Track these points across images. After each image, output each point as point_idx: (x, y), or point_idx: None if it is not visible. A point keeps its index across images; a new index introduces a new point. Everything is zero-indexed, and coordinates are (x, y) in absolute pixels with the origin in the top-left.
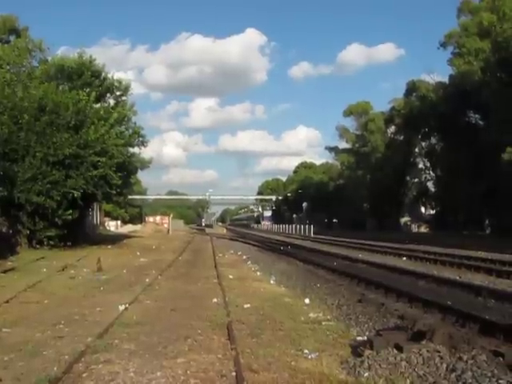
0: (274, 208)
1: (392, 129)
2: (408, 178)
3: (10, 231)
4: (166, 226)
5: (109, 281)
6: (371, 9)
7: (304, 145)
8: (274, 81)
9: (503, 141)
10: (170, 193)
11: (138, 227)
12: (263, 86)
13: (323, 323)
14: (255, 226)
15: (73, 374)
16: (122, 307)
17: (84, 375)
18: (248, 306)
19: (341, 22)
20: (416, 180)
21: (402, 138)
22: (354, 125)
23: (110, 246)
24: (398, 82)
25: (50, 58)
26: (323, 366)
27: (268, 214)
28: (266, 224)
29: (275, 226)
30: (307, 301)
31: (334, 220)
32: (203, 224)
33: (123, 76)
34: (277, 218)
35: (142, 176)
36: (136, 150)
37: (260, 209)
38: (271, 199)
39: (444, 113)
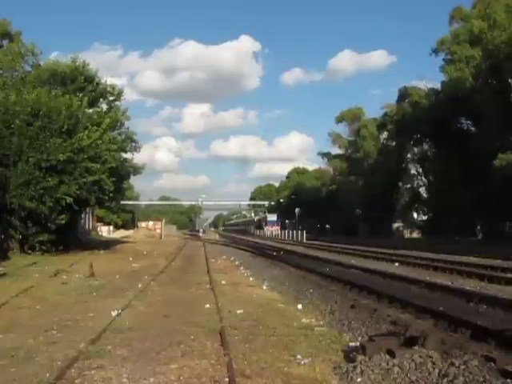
0: (266, 213)
1: (384, 135)
2: (400, 184)
3: (2, 236)
4: (158, 231)
5: (101, 286)
6: (363, 16)
7: (296, 150)
8: (267, 87)
9: (494, 147)
10: (163, 198)
11: (130, 232)
12: (256, 91)
13: (316, 329)
14: (257, 232)
15: (65, 380)
16: (114, 313)
17: (77, 381)
18: (241, 311)
19: (332, 28)
20: (408, 186)
21: (394, 143)
22: (347, 131)
23: (102, 252)
24: (390, 89)
25: (42, 63)
26: (316, 371)
27: (273, 217)
28: (270, 229)
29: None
30: (300, 306)
31: (327, 225)
32: (201, 231)
33: (116, 82)
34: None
35: (135, 181)
36: (129, 155)
37: (253, 214)
38: (264, 205)
39: (436, 119)
